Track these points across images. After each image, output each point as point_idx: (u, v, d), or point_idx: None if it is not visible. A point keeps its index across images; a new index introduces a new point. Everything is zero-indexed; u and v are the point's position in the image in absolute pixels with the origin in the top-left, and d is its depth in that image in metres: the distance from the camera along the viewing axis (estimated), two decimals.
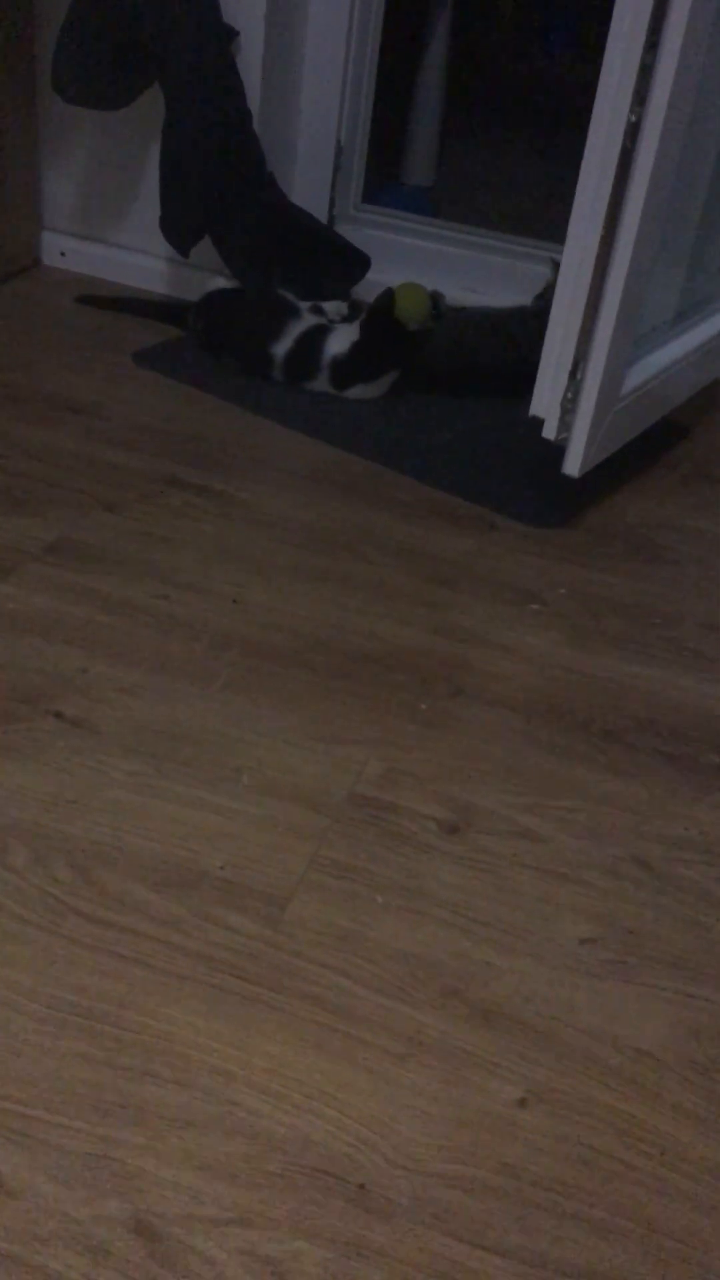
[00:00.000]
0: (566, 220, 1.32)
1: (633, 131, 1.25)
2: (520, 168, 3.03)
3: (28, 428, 1.64)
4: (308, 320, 1.82)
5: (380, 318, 1.78)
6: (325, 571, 1.42)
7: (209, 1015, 0.89)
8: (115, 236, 2.10)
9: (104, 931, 0.94)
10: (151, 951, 0.93)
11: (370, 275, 1.97)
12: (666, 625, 1.40)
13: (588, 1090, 0.87)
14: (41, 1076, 0.83)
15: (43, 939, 0.93)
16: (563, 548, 1.52)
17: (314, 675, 1.25)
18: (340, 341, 1.78)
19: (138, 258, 2.09)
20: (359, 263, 1.97)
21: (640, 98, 1.23)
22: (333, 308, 1.89)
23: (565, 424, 1.43)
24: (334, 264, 1.96)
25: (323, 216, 2.04)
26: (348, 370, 1.78)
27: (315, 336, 1.80)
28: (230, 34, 1.79)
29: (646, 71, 1.22)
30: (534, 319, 1.79)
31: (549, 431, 1.44)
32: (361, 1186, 0.79)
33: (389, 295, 1.81)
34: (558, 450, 1.46)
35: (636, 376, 1.51)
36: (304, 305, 1.85)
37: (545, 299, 1.87)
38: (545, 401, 1.43)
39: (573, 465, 1.45)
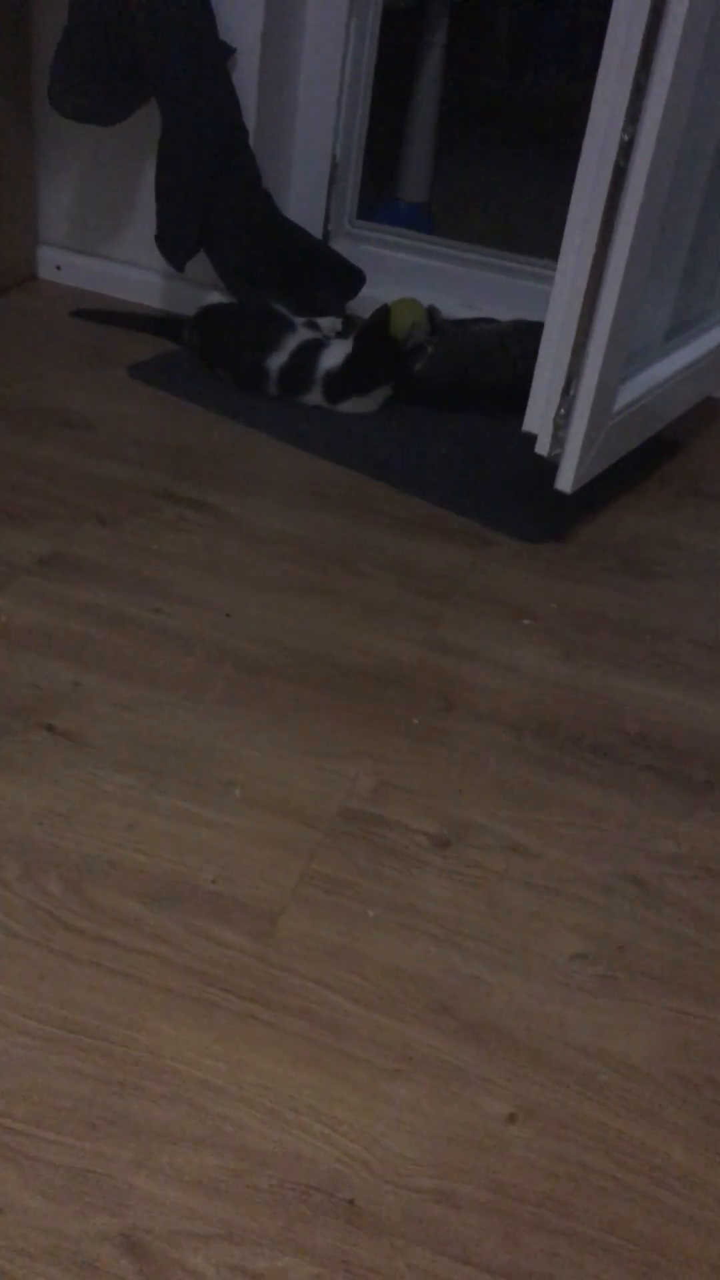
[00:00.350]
0: (558, 236, 1.33)
1: (626, 150, 1.25)
2: (514, 184, 3.05)
3: (22, 441, 1.64)
4: (302, 335, 1.82)
5: (373, 332, 1.79)
6: (318, 586, 1.43)
7: (199, 1030, 0.89)
8: (111, 251, 2.11)
9: (94, 946, 0.94)
10: (142, 966, 0.93)
11: (365, 291, 1.98)
12: (658, 640, 1.40)
13: (577, 1106, 0.87)
14: (31, 1091, 0.83)
15: (33, 953, 0.93)
16: (555, 563, 1.53)
17: (306, 689, 1.25)
18: (334, 356, 1.79)
19: (133, 272, 2.10)
20: (354, 278, 1.98)
21: (633, 116, 1.24)
22: (327, 323, 1.90)
23: (558, 440, 1.43)
24: (329, 280, 1.97)
25: (318, 232, 2.05)
26: (340, 383, 1.79)
27: (309, 351, 1.80)
28: (226, 51, 1.80)
29: (640, 90, 1.23)
30: (528, 335, 1.80)
31: (542, 447, 1.45)
32: (351, 1202, 0.79)
33: (384, 311, 1.82)
34: (550, 466, 1.47)
35: (629, 393, 1.52)
36: (298, 320, 1.86)
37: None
38: (538, 417, 1.43)
39: (566, 481, 1.46)
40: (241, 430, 1.76)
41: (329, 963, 0.95)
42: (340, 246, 2.05)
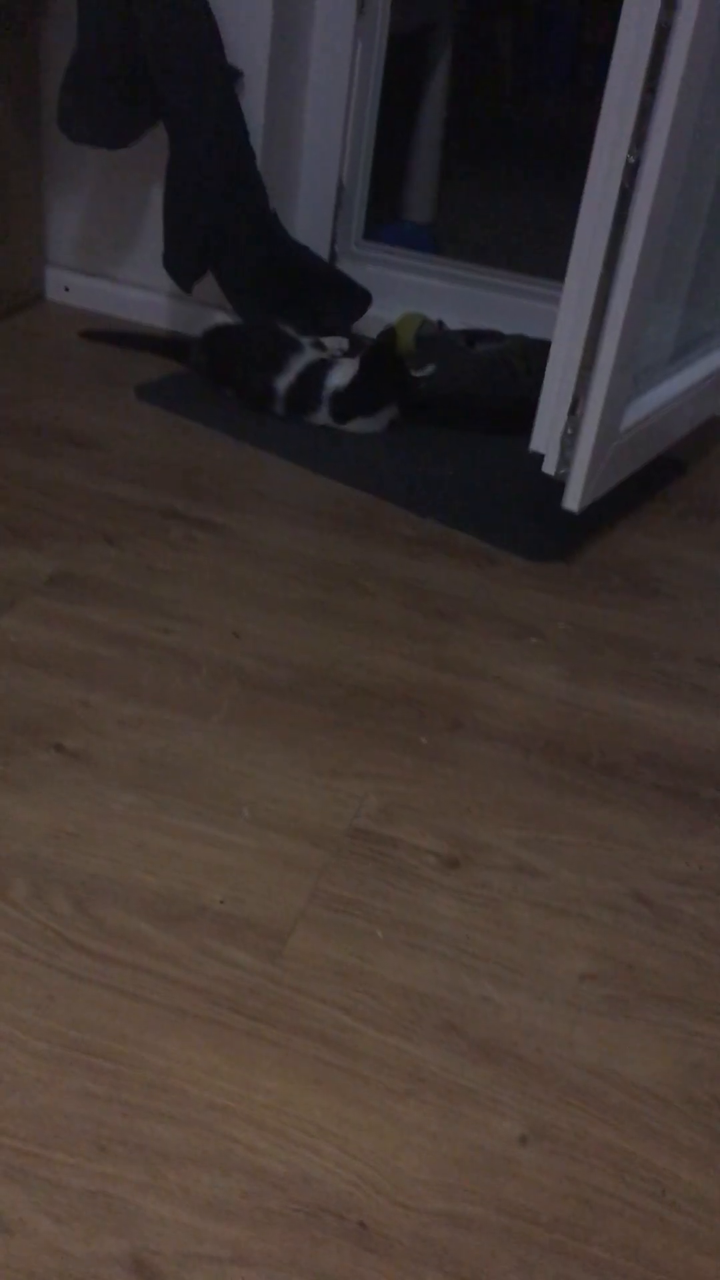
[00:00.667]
0: (562, 256, 1.34)
1: (631, 172, 1.26)
2: (516, 204, 3.07)
3: (30, 461, 1.65)
4: (309, 355, 1.83)
5: (379, 354, 1.80)
6: (325, 605, 1.43)
7: (208, 1050, 0.88)
8: (118, 272, 2.12)
9: (103, 966, 0.94)
10: (151, 986, 0.93)
11: (371, 311, 1.99)
12: (665, 660, 1.40)
13: (588, 1127, 0.87)
14: (40, 1112, 0.83)
15: (41, 973, 0.93)
16: (561, 582, 1.53)
17: (314, 709, 1.25)
18: (340, 376, 1.80)
19: (141, 293, 2.11)
20: (360, 299, 1.99)
21: (639, 139, 1.25)
22: (333, 342, 1.91)
23: (565, 459, 1.44)
24: (335, 300, 1.98)
25: (324, 253, 2.06)
26: (347, 403, 1.80)
27: (316, 370, 1.81)
28: (234, 75, 1.81)
29: (645, 113, 1.24)
30: (536, 355, 1.81)
31: (549, 466, 1.45)
32: (362, 1224, 0.78)
33: (390, 333, 1.83)
34: (557, 485, 1.47)
35: (635, 413, 1.53)
36: (305, 340, 1.87)
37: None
38: (545, 437, 1.44)
39: (573, 500, 1.46)
40: (248, 450, 1.76)
41: (338, 982, 0.95)
42: (346, 267, 2.07)
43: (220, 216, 1.83)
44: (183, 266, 1.90)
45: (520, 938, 1.02)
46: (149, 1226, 0.77)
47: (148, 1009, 0.91)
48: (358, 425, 1.83)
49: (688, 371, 1.70)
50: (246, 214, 1.86)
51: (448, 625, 1.42)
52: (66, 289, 2.15)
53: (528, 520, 1.64)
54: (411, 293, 2.09)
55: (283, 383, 1.81)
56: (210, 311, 1.97)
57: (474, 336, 1.96)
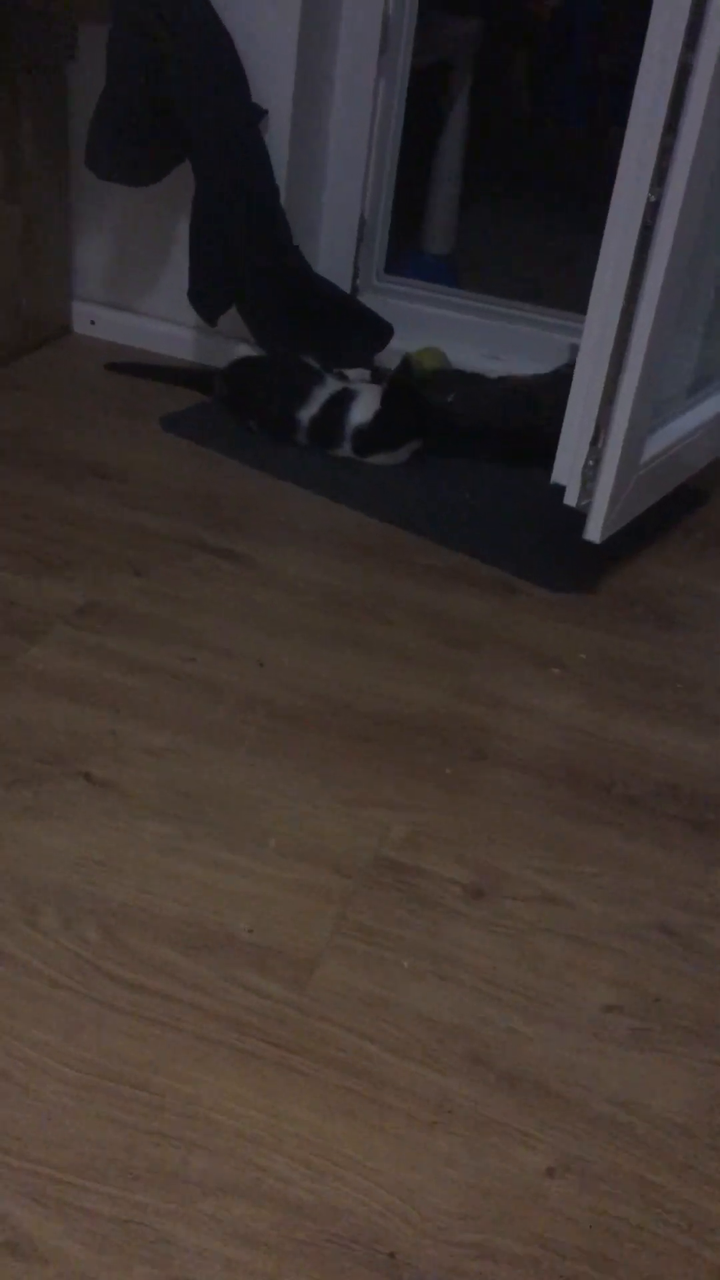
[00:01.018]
0: (579, 287, 1.35)
1: (653, 210, 1.28)
2: (533, 234, 3.10)
3: (57, 492, 1.67)
4: (331, 387, 1.85)
5: (401, 388, 1.82)
6: (348, 634, 1.44)
7: (237, 1080, 0.89)
8: (143, 306, 2.15)
9: (132, 994, 0.95)
10: (179, 1014, 0.94)
11: (393, 344, 2.01)
12: (687, 690, 1.41)
13: (615, 1159, 0.87)
14: (71, 1140, 0.84)
15: (72, 1001, 0.94)
16: (582, 612, 1.54)
17: (338, 738, 1.26)
18: (363, 411, 1.82)
19: (165, 326, 2.14)
20: (382, 331, 2.01)
21: (660, 178, 1.27)
22: (355, 375, 1.93)
23: (587, 490, 1.45)
24: (357, 333, 2.00)
25: (346, 287, 2.09)
26: (370, 440, 1.82)
27: (339, 403, 1.83)
28: (259, 113, 1.84)
29: (666, 153, 1.26)
30: (555, 387, 1.83)
31: (571, 498, 1.46)
32: (391, 1255, 0.79)
33: (406, 365, 1.84)
34: (578, 516, 1.48)
35: (656, 444, 1.54)
36: (328, 372, 1.89)
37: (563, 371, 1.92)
38: (567, 468, 1.45)
39: (594, 531, 1.47)
40: (271, 481, 1.78)
41: (365, 1012, 0.96)
42: (368, 300, 2.09)
43: (244, 251, 1.86)
44: (207, 300, 1.92)
45: (545, 969, 1.02)
46: (181, 1256, 0.77)
47: (177, 1037, 0.92)
48: (380, 459, 1.85)
49: (708, 403, 1.71)
50: (270, 248, 1.88)
51: (470, 655, 1.43)
52: (92, 322, 2.18)
53: (549, 550, 1.65)
54: (432, 325, 2.11)
55: (305, 415, 1.83)
56: (234, 344, 2.00)
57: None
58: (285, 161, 1.90)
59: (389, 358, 1.98)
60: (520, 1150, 0.87)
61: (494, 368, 2.03)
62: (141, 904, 1.03)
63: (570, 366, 1.95)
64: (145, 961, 0.98)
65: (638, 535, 1.67)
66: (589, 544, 1.50)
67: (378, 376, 1.94)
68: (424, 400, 1.85)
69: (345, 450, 1.84)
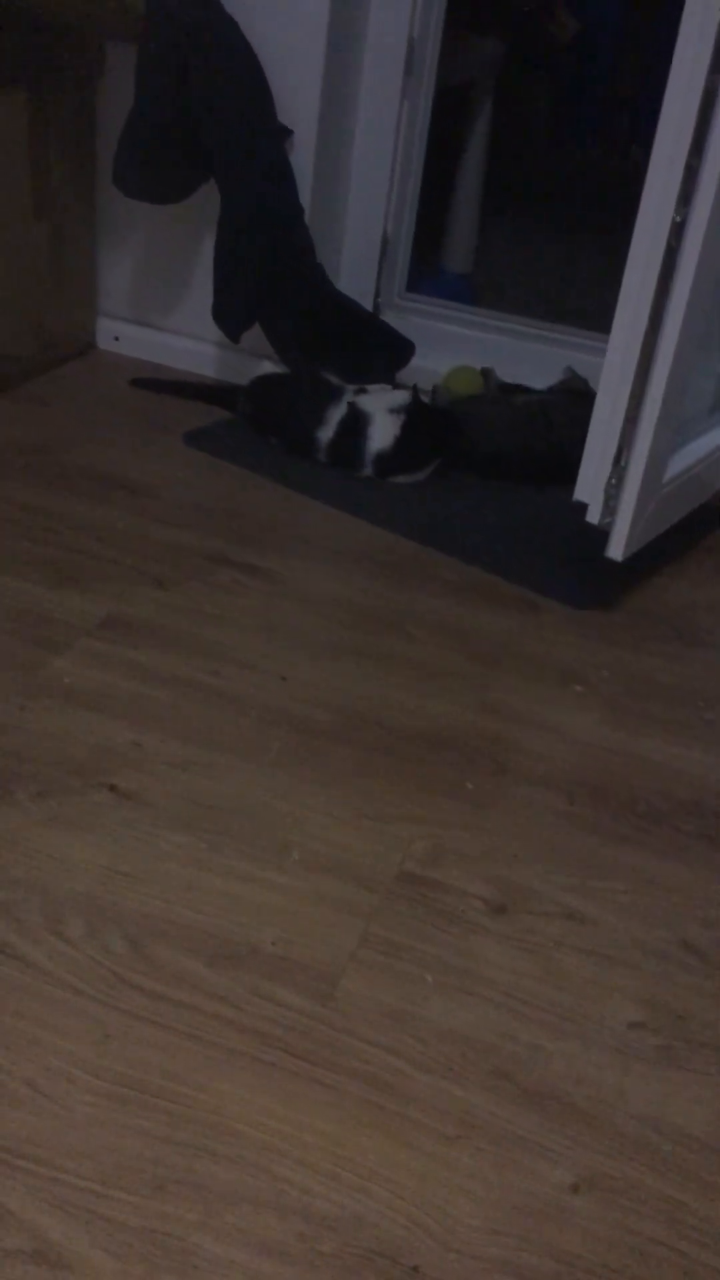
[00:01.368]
0: (596, 305, 1.36)
1: (678, 230, 1.29)
2: (552, 253, 3.11)
3: (82, 506, 1.68)
4: (351, 406, 1.86)
5: (419, 416, 1.83)
6: (371, 649, 1.45)
7: (261, 1091, 0.89)
8: (168, 323, 2.17)
9: (157, 1005, 0.95)
10: (204, 1026, 0.94)
11: (415, 361, 2.02)
12: (709, 708, 1.41)
13: (640, 1177, 0.87)
14: (96, 1149, 0.84)
15: (97, 1011, 0.94)
16: (604, 629, 1.54)
17: (361, 752, 1.27)
18: (383, 435, 1.82)
19: (189, 342, 2.15)
20: (404, 349, 2.02)
21: (685, 199, 1.28)
22: (376, 388, 1.94)
23: (609, 509, 1.46)
24: (379, 350, 2.01)
25: (368, 304, 2.10)
26: (392, 463, 1.83)
27: (360, 424, 1.84)
28: (284, 133, 1.86)
29: (691, 174, 1.27)
30: (573, 407, 1.84)
31: (593, 516, 1.47)
32: (415, 1269, 0.79)
33: (431, 391, 1.85)
34: (601, 534, 1.49)
35: (679, 463, 1.55)
36: (350, 389, 1.90)
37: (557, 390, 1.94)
38: (590, 486, 1.46)
39: (616, 549, 1.48)
40: (294, 496, 1.79)
41: (389, 1026, 0.96)
42: (390, 318, 2.10)
43: (268, 269, 1.88)
44: (231, 317, 1.94)
45: (569, 985, 1.02)
46: (206, 1266, 0.77)
47: (201, 1049, 0.92)
48: (401, 479, 1.86)
49: None
50: (294, 266, 1.90)
51: (492, 671, 1.43)
52: (117, 338, 2.20)
53: (570, 568, 1.65)
54: (453, 343, 2.13)
55: (326, 434, 1.84)
56: (257, 361, 2.01)
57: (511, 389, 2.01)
58: (310, 180, 1.92)
59: (410, 375, 1.99)
60: (544, 1166, 0.87)
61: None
62: (166, 915, 1.04)
63: (575, 379, 1.99)
64: (170, 972, 0.98)
65: (659, 554, 1.67)
66: (611, 562, 1.50)
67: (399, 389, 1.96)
68: (444, 420, 1.86)
69: (366, 471, 1.85)
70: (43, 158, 1.93)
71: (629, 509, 1.44)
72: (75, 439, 1.88)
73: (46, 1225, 0.79)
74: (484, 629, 1.52)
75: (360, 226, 2.07)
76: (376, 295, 2.13)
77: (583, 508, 1.48)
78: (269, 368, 1.98)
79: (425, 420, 1.84)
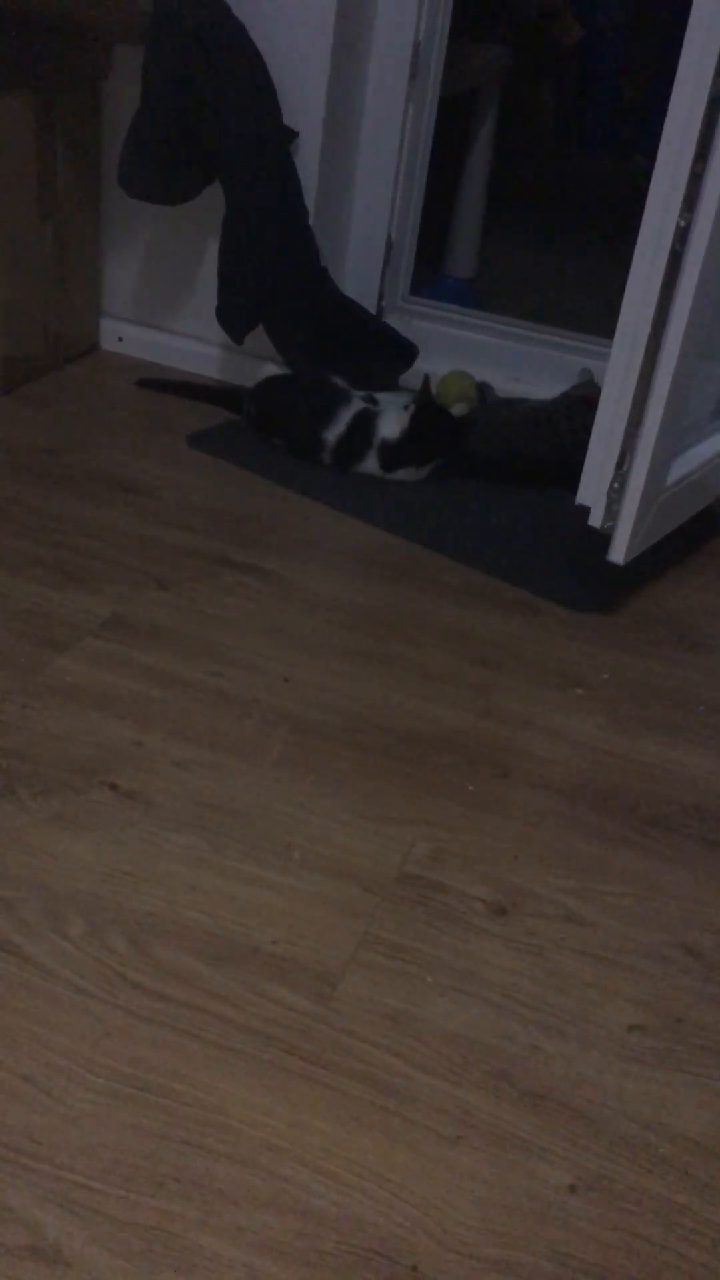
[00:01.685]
0: (599, 310, 1.36)
1: (682, 235, 1.29)
2: (556, 261, 3.12)
3: (85, 507, 1.69)
4: (356, 406, 1.87)
5: (428, 409, 1.84)
6: (373, 652, 1.45)
7: (261, 1090, 0.90)
8: (171, 324, 2.18)
9: (158, 1003, 0.95)
10: (205, 1025, 0.94)
11: (417, 365, 2.03)
12: (710, 712, 1.41)
13: (637, 1179, 0.87)
14: (97, 1147, 0.84)
15: (99, 1009, 0.94)
16: (605, 633, 1.55)
17: (363, 754, 1.27)
18: (391, 426, 1.84)
19: (193, 344, 2.16)
20: (407, 352, 2.03)
21: (690, 204, 1.28)
22: (385, 399, 1.95)
23: (612, 513, 1.46)
24: (383, 353, 2.02)
25: (372, 308, 2.11)
26: (396, 454, 1.84)
27: (365, 421, 1.85)
28: (290, 136, 1.87)
29: (697, 180, 1.27)
30: (577, 413, 1.84)
31: (595, 520, 1.47)
32: (414, 1269, 0.79)
33: (428, 386, 1.86)
34: (602, 538, 1.49)
35: (681, 468, 1.55)
36: (354, 392, 1.90)
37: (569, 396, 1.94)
38: (592, 490, 1.46)
39: (619, 553, 1.48)
40: (298, 499, 1.80)
41: (389, 1027, 0.96)
42: (393, 321, 2.11)
43: (273, 271, 1.88)
44: (235, 319, 1.94)
45: (568, 987, 1.02)
46: (205, 1264, 0.78)
47: (202, 1048, 0.92)
48: (404, 474, 1.86)
49: None
50: (298, 269, 1.91)
51: (494, 674, 1.44)
52: (120, 339, 2.21)
53: (572, 571, 1.66)
54: (456, 347, 2.13)
55: (331, 434, 1.85)
56: (261, 363, 2.02)
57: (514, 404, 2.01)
58: (315, 183, 1.93)
59: (413, 378, 2.00)
60: (542, 1167, 0.87)
61: (515, 389, 2.05)
62: (167, 914, 1.04)
63: (590, 384, 1.99)
64: (171, 971, 0.98)
65: (661, 558, 1.67)
66: (613, 566, 1.50)
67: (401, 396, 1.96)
68: (451, 419, 1.87)
69: (370, 466, 1.86)
70: (49, 159, 1.94)
71: (631, 513, 1.45)
72: (79, 440, 1.88)
73: (45, 1222, 0.79)
74: (486, 632, 1.52)
75: (365, 229, 2.08)
76: (380, 298, 2.13)
77: (585, 511, 1.48)
78: (273, 370, 1.99)
79: (433, 416, 1.85)
